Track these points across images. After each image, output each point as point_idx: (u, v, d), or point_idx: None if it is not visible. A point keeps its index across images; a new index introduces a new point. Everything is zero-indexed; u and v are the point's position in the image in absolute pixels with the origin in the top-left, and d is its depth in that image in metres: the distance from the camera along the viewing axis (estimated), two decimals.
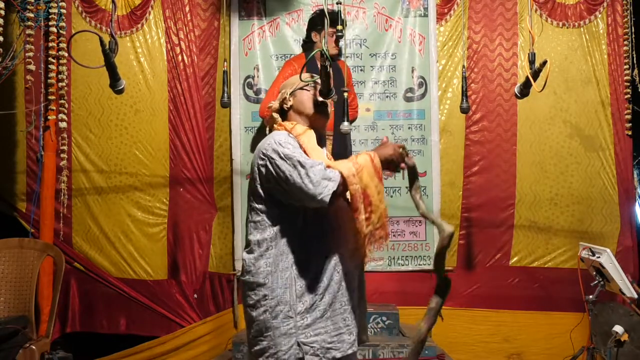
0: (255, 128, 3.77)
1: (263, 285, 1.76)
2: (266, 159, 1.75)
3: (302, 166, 1.68)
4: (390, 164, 1.78)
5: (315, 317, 1.74)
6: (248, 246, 1.83)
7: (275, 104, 1.94)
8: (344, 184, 1.70)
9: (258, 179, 1.80)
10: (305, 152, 1.77)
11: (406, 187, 3.73)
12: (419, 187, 1.87)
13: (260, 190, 1.80)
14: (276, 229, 1.78)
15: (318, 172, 1.68)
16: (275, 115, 1.94)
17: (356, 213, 1.69)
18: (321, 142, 1.91)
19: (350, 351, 1.78)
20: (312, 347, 1.72)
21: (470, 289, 3.79)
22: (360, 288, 1.91)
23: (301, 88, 1.91)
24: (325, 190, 1.66)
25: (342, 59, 3.47)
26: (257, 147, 1.85)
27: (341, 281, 1.79)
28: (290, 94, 1.91)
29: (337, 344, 1.75)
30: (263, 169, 1.77)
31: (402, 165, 1.80)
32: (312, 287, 1.76)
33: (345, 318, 1.78)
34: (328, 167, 1.73)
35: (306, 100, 1.90)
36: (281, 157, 1.71)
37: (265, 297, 1.75)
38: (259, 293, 1.76)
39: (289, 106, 1.91)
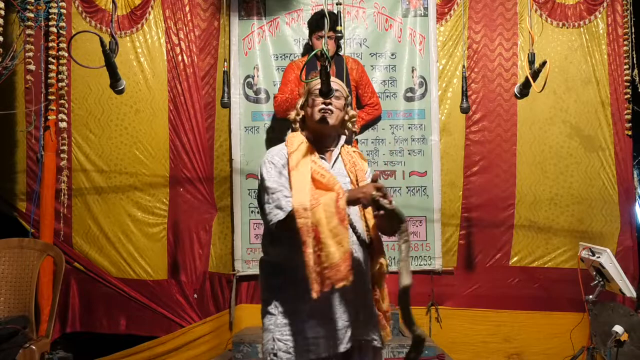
0: (255, 128, 3.77)
1: (261, 285, 1.92)
2: (258, 170, 1.90)
3: (266, 191, 1.81)
4: (364, 206, 1.79)
5: (294, 318, 1.81)
6: None
7: (292, 115, 2.02)
8: (294, 218, 1.71)
9: (260, 182, 1.89)
10: (289, 165, 1.83)
11: (407, 187, 3.78)
12: (405, 232, 1.67)
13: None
14: (271, 231, 1.84)
15: (274, 200, 1.78)
16: (294, 118, 2.00)
17: (304, 246, 1.68)
18: (327, 142, 1.95)
19: (324, 354, 1.79)
20: (286, 344, 1.79)
21: (470, 289, 3.79)
22: (360, 295, 1.88)
23: (306, 99, 1.96)
24: (274, 218, 1.77)
25: (341, 53, 3.49)
26: None
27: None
28: (300, 107, 1.99)
29: (312, 347, 1.78)
30: (259, 175, 1.90)
31: (376, 213, 1.71)
32: (294, 291, 1.81)
33: (325, 322, 1.80)
34: (315, 194, 1.74)
35: (309, 110, 1.95)
36: (261, 176, 1.85)
37: (262, 294, 1.91)
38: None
39: (301, 117, 2.00)
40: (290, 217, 1.71)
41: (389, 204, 1.66)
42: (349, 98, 2.03)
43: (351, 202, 1.73)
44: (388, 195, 1.69)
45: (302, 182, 1.78)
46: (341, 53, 3.51)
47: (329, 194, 1.73)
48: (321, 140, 1.94)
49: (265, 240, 1.92)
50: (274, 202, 1.77)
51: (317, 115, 1.89)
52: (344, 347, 1.80)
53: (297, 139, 1.91)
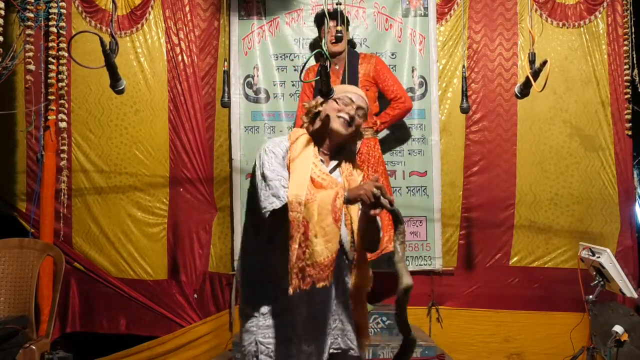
0: (255, 128, 3.77)
1: (241, 282, 1.93)
2: (256, 159, 1.85)
3: (264, 178, 1.77)
4: (363, 205, 1.70)
5: (277, 321, 1.80)
6: None
7: (307, 105, 1.96)
8: (288, 209, 1.69)
9: (256, 169, 1.88)
10: (290, 156, 1.81)
11: (407, 187, 3.77)
12: (402, 234, 1.70)
13: (251, 186, 1.87)
14: (256, 228, 1.85)
15: (272, 187, 1.74)
16: (304, 119, 1.95)
17: (290, 240, 1.67)
18: (329, 146, 1.90)
19: None
20: (267, 347, 1.78)
21: (470, 289, 3.79)
22: (340, 304, 1.87)
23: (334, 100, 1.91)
24: (269, 205, 1.72)
25: (358, 51, 3.55)
26: None
27: (301, 293, 1.76)
28: (322, 102, 1.92)
29: (293, 352, 1.78)
30: (253, 168, 1.86)
31: (374, 211, 1.68)
32: (276, 293, 1.80)
33: (307, 330, 1.79)
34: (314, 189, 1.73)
35: (327, 109, 1.89)
36: (260, 164, 1.80)
37: (243, 292, 1.90)
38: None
39: (317, 111, 1.93)
40: (285, 208, 1.69)
41: (389, 204, 1.65)
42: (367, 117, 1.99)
43: (351, 200, 1.69)
44: (387, 194, 1.67)
45: (300, 176, 1.76)
46: (357, 49, 3.55)
47: (328, 191, 1.71)
48: (324, 142, 1.91)
49: (252, 236, 1.88)
50: (270, 190, 1.74)
51: (336, 122, 1.86)
52: (325, 356, 1.80)
53: (302, 136, 1.88)
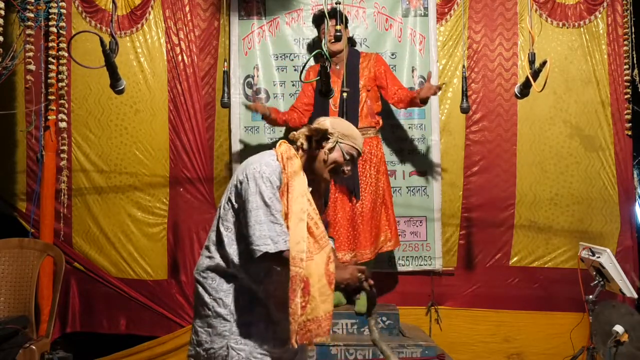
0: (255, 128, 3.77)
1: (210, 286, 1.91)
2: (245, 180, 1.79)
3: (267, 212, 1.74)
4: (347, 288, 1.82)
5: (250, 330, 1.83)
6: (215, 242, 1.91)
7: (315, 131, 1.87)
8: (283, 258, 1.71)
9: (234, 190, 1.84)
10: (288, 192, 1.78)
11: (407, 187, 3.77)
12: (376, 314, 1.92)
13: (233, 200, 1.84)
14: (239, 236, 1.83)
15: (272, 229, 1.73)
16: (302, 139, 1.87)
17: (292, 294, 1.68)
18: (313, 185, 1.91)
19: None
20: (238, 353, 1.80)
21: (470, 289, 3.79)
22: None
23: (345, 149, 1.89)
24: (262, 247, 1.71)
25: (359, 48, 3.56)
26: (248, 159, 1.87)
27: (280, 306, 1.84)
28: (335, 141, 1.87)
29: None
30: (239, 185, 1.81)
31: (357, 296, 1.84)
32: (254, 305, 1.85)
33: (279, 342, 1.85)
34: (315, 232, 1.77)
35: (337, 157, 1.87)
36: (257, 190, 1.75)
37: (211, 294, 1.88)
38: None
39: (323, 146, 1.87)
40: (278, 256, 1.72)
41: (369, 287, 1.79)
42: None
43: (338, 283, 1.76)
44: (369, 279, 1.81)
45: (301, 228, 1.74)
46: (357, 48, 3.56)
47: (321, 255, 1.76)
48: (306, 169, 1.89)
49: (231, 249, 1.84)
50: (269, 231, 1.72)
51: (327, 174, 1.89)
52: None
53: (297, 166, 1.83)
